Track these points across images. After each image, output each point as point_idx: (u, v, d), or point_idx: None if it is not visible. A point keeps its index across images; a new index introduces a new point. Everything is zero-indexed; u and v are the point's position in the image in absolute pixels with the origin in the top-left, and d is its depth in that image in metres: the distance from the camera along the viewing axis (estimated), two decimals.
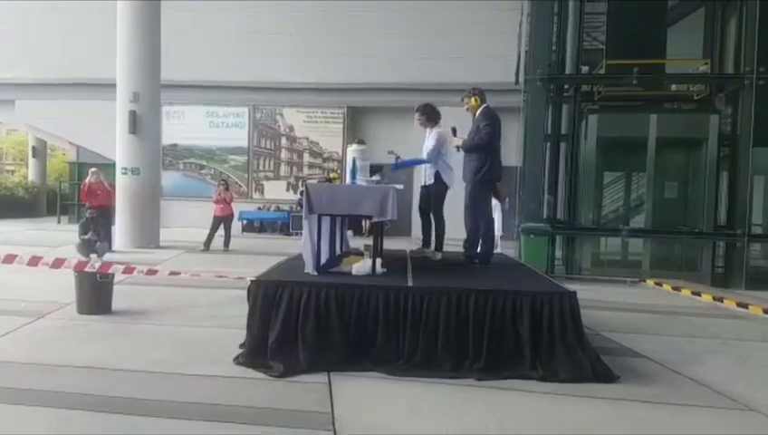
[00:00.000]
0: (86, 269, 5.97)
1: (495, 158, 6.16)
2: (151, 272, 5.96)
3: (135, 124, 12.77)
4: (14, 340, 5.25)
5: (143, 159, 13.00)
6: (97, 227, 10.35)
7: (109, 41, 13.31)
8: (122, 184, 12.98)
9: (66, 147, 23.61)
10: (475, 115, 6.25)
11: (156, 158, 13.68)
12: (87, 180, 12.11)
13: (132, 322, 6.06)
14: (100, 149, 18.18)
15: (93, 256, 10.15)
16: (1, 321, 5.77)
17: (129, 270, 5.91)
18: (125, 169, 12.95)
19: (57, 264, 5.71)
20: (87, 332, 5.61)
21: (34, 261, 5.57)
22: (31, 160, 26.53)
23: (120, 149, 13.06)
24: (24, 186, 24.72)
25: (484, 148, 6.07)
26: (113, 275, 6.54)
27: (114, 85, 13.09)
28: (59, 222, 19.89)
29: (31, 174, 26.36)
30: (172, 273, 6.20)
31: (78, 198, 20.07)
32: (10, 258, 5.51)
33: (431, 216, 6.71)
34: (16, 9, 18.92)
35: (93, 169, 12.45)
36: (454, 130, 6.36)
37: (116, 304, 6.40)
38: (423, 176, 6.80)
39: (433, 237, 6.74)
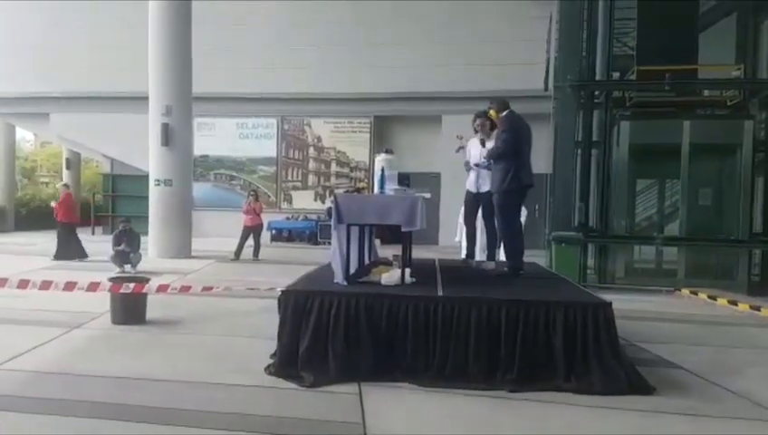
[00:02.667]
0: (121, 290, 6.05)
1: (521, 165, 5.97)
2: (185, 289, 6.04)
3: (167, 136, 12.98)
4: (50, 350, 5.34)
5: (175, 170, 13.20)
6: (130, 240, 10.51)
7: (141, 55, 13.56)
8: (155, 195, 13.19)
9: (99, 159, 24.08)
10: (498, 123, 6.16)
11: (187, 169, 13.87)
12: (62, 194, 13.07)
13: (165, 332, 6.13)
14: (134, 161, 18.54)
15: (127, 266, 10.32)
16: (37, 331, 5.89)
17: (162, 288, 6.03)
18: (158, 180, 13.15)
19: (92, 287, 5.91)
20: (121, 342, 5.69)
21: (70, 286, 5.80)
22: (65, 172, 27.09)
23: (152, 161, 13.27)
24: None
25: (503, 155, 5.93)
26: (147, 284, 6.67)
27: (146, 98, 13.33)
28: (93, 233, 20.25)
29: None
30: (205, 289, 6.27)
31: (112, 209, 20.53)
32: (46, 285, 5.76)
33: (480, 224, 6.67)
34: (50, 24, 19.44)
35: (65, 183, 13.04)
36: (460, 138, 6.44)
37: (150, 313, 6.48)
38: (475, 182, 6.73)
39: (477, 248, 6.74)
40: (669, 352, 5.59)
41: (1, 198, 21.71)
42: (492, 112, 6.11)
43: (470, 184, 6.81)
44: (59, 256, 12.21)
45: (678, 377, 4.86)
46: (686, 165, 10.49)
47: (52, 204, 13.27)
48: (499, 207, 6.12)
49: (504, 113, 6.04)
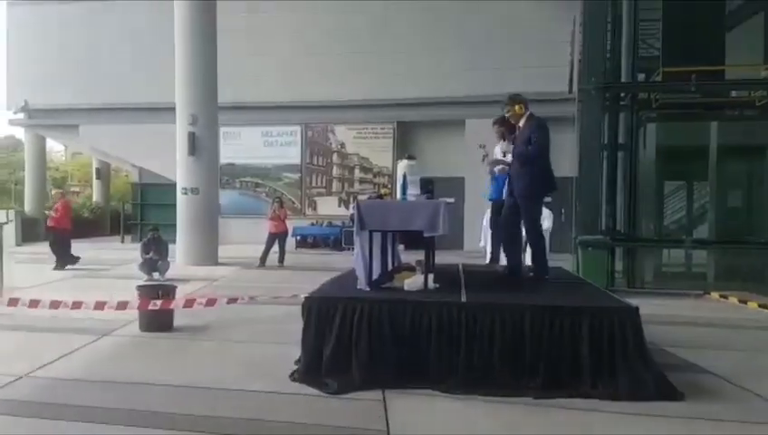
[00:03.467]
0: (149, 307, 6.15)
1: (548, 168, 5.82)
2: (210, 302, 6.13)
3: (194, 146, 13.15)
4: (80, 358, 5.44)
5: (202, 179, 13.36)
6: (158, 248, 10.65)
7: (168, 66, 13.79)
8: (182, 203, 13.37)
9: (128, 168, 24.48)
10: (517, 124, 5.91)
11: (214, 177, 14.03)
12: (57, 203, 13.04)
13: (192, 338, 6.21)
14: (161, 170, 18.81)
15: (155, 273, 10.47)
16: (68, 339, 6.00)
17: (188, 303, 6.12)
18: (185, 189, 13.32)
19: (121, 306, 6.06)
20: (148, 349, 5.78)
21: (100, 305, 6.00)
22: (95, 182, 27.62)
23: (180, 170, 13.46)
24: (89, 207, 25.73)
25: (538, 158, 5.74)
26: (175, 292, 6.77)
27: (173, 109, 13.53)
28: (122, 241, 20.59)
29: (95, 195, 27.43)
30: (230, 300, 6.34)
31: (140, 217, 20.85)
32: (77, 305, 5.95)
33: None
34: (78, 37, 19.87)
35: (61, 192, 13.36)
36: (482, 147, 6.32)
37: (177, 320, 6.56)
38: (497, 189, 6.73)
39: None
40: (699, 357, 5.49)
41: (32, 208, 22.15)
42: (517, 108, 5.82)
43: (494, 192, 6.78)
44: (60, 265, 12.21)
45: (708, 382, 4.78)
46: (715, 167, 10.34)
47: (50, 213, 13.14)
48: (527, 212, 5.90)
49: (529, 114, 5.85)
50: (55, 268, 12.06)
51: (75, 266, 12.25)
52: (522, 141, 5.80)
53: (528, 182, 5.80)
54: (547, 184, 5.87)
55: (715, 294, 9.49)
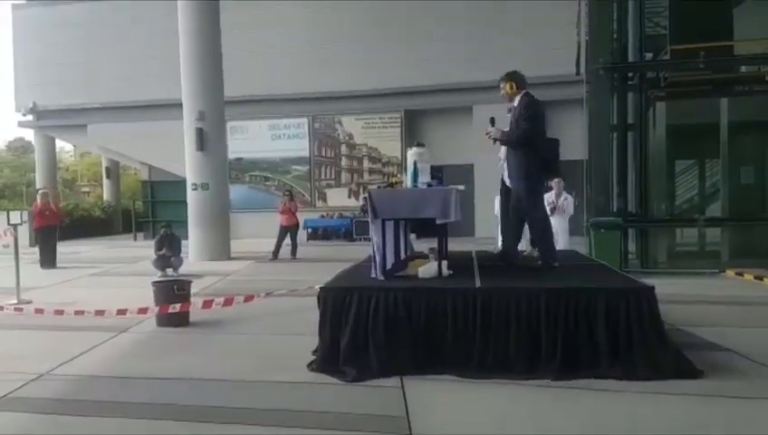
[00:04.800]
0: (169, 310, 6.24)
1: (543, 151, 5.51)
2: (228, 302, 6.23)
3: (202, 141, 13.20)
4: (100, 354, 5.49)
5: (212, 174, 13.41)
6: (171, 244, 10.72)
7: (173, 63, 13.82)
8: (193, 199, 13.44)
9: (138, 166, 24.62)
10: (512, 103, 5.57)
11: (223, 172, 14.09)
12: (37, 202, 12.97)
13: (209, 333, 6.25)
14: (170, 166, 18.91)
15: (169, 269, 10.54)
16: (87, 336, 6.05)
17: (207, 304, 6.21)
18: (195, 184, 13.39)
19: (141, 311, 6.24)
20: (167, 344, 5.83)
21: (122, 312, 6.23)
22: (105, 181, 27.80)
23: (189, 166, 13.51)
24: (100, 206, 25.92)
25: (523, 143, 5.43)
26: (190, 286, 6.84)
27: (180, 105, 13.57)
28: (135, 239, 20.72)
29: (106, 194, 27.63)
30: (247, 298, 6.40)
31: (152, 214, 20.97)
32: (100, 313, 6.24)
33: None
34: (84, 37, 19.94)
35: (43, 191, 13.34)
36: (492, 121, 5.68)
37: (193, 316, 6.61)
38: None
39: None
40: (716, 335, 5.48)
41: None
42: (508, 87, 5.53)
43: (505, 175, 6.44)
44: (45, 263, 12.33)
45: (726, 360, 4.76)
46: (726, 144, 10.26)
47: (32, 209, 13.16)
48: (522, 196, 5.58)
49: (523, 93, 5.51)
50: (42, 267, 12.17)
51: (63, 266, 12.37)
52: (513, 122, 5.52)
53: (518, 165, 5.55)
54: (543, 166, 5.57)
55: (730, 272, 9.44)
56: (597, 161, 10.15)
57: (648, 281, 4.85)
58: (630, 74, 10.63)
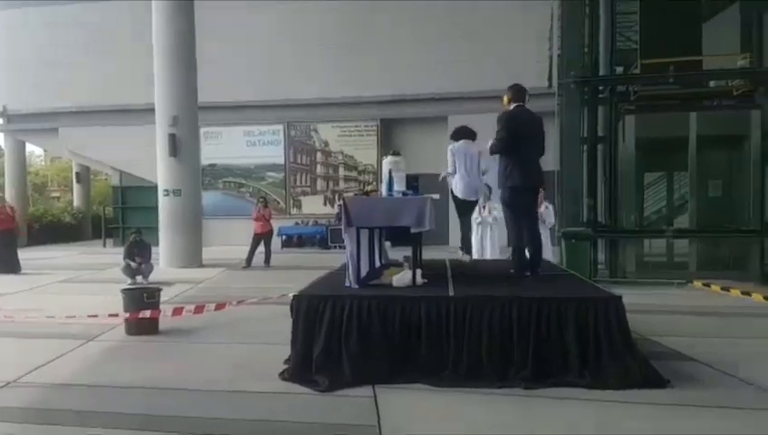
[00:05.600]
0: (139, 316, 6.18)
1: (521, 163, 5.66)
2: (199, 309, 6.19)
3: (175, 147, 13.07)
4: (69, 362, 5.40)
5: (184, 180, 13.28)
6: (141, 251, 10.58)
7: (146, 67, 13.69)
8: (164, 205, 13.28)
9: (109, 172, 24.27)
10: None
11: (196, 178, 13.96)
12: None
13: (179, 341, 6.18)
14: (142, 172, 18.68)
15: (139, 277, 10.40)
16: (54, 344, 5.95)
17: (177, 311, 6.14)
18: (167, 190, 13.24)
19: (112, 316, 6.25)
20: (136, 353, 5.75)
21: (92, 316, 6.26)
22: (75, 186, 27.34)
23: (161, 171, 13.37)
24: (70, 211, 25.47)
25: (498, 153, 5.72)
26: (160, 294, 6.76)
27: (152, 110, 13.44)
28: (104, 245, 20.42)
29: (76, 199, 27.16)
30: (218, 307, 6.35)
31: (122, 220, 20.67)
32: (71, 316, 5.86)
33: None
34: (55, 41, 19.63)
35: None
36: None
37: (164, 324, 6.53)
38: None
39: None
40: (683, 345, 5.57)
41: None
42: (504, 99, 5.84)
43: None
44: (3, 268, 12.11)
45: (693, 369, 4.86)
46: (694, 157, 10.49)
47: None
48: (502, 207, 5.98)
49: (511, 107, 5.75)
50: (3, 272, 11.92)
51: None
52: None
53: (497, 173, 5.85)
54: (521, 177, 5.68)
55: (697, 283, 9.63)
56: (568, 172, 10.31)
57: (617, 291, 4.92)
58: (601, 88, 10.82)
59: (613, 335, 4.42)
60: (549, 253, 9.94)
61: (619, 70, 11.16)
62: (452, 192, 7.11)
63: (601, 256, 10.77)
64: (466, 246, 7.36)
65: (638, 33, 10.41)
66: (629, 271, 10.57)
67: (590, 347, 4.41)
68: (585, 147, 10.67)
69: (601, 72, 10.75)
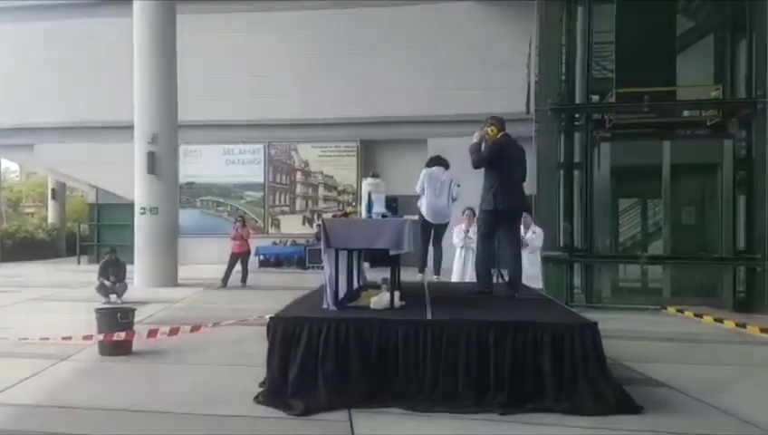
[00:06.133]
0: (114, 339, 6.10)
1: (505, 186, 5.94)
2: (174, 331, 6.14)
3: (153, 165, 12.98)
4: (40, 382, 5.29)
5: (161, 198, 13.17)
6: (116, 269, 10.43)
7: (125, 84, 13.62)
8: (141, 223, 13.14)
9: (85, 188, 23.99)
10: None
11: (173, 197, 13.85)
12: None
13: (153, 362, 6.08)
14: (119, 189, 18.49)
15: (113, 296, 10.24)
16: (26, 363, 5.83)
17: (152, 333, 6.08)
18: (143, 208, 13.11)
19: (87, 338, 6.22)
20: (109, 374, 5.66)
21: (66, 338, 6.25)
22: (50, 202, 26.96)
23: (138, 189, 13.25)
24: (44, 228, 25.08)
25: (478, 165, 6.02)
26: (134, 315, 6.67)
27: (131, 127, 13.35)
28: (79, 263, 20.10)
29: (50, 216, 26.76)
30: (194, 329, 6.29)
31: (97, 238, 20.39)
32: (45, 338, 5.72)
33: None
34: (32, 55, 19.48)
35: None
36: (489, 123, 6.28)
37: (137, 345, 6.42)
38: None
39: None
40: (657, 371, 5.63)
41: None
42: (489, 131, 6.07)
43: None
44: None
45: (666, 396, 4.90)
46: (668, 184, 10.66)
47: None
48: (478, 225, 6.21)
49: (501, 134, 6.08)
50: None
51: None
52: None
53: (481, 197, 6.09)
54: (504, 199, 5.92)
55: (671, 309, 9.75)
56: (544, 197, 10.43)
57: (592, 316, 4.98)
58: (577, 115, 11.00)
59: (589, 361, 4.45)
60: (535, 279, 9.77)
61: (595, 98, 11.36)
62: (420, 214, 7.58)
63: (577, 280, 10.85)
64: (421, 264, 7.81)
65: (614, 63, 10.63)
66: (605, 296, 10.66)
67: (565, 373, 4.43)
68: (561, 172, 10.81)
69: (578, 100, 10.94)
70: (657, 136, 11.14)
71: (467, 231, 9.61)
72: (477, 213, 6.29)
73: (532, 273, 9.59)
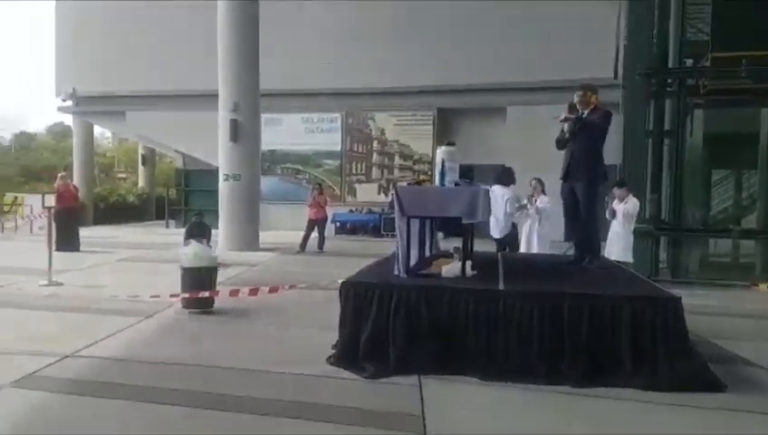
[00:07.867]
0: (198, 296, 6.44)
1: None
2: (253, 292, 6.35)
3: (236, 132, 13.33)
4: (125, 338, 5.60)
5: (244, 165, 13.54)
6: (201, 232, 10.82)
7: (211, 54, 13.97)
8: (224, 190, 13.58)
9: (173, 155, 25.00)
10: (583, 110, 5.93)
11: (255, 164, 14.20)
12: (56, 184, 13.38)
13: (232, 321, 6.33)
14: (204, 156, 19.14)
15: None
16: (113, 320, 6.18)
17: (234, 293, 6.36)
18: (227, 175, 13.52)
19: (174, 296, 6.60)
20: (191, 331, 5.94)
21: (155, 295, 6.62)
22: (140, 168, 28.28)
23: (222, 156, 13.66)
24: (135, 192, 26.39)
25: (602, 142, 5.90)
26: (216, 272, 6.95)
27: (216, 96, 13.72)
28: (167, 226, 21.05)
29: (141, 181, 28.11)
30: (272, 290, 6.49)
31: (185, 202, 21.28)
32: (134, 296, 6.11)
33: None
34: (124, 25, 20.29)
35: (62, 174, 13.80)
36: (572, 106, 6.01)
37: (219, 303, 6.69)
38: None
39: None
40: (745, 349, 5.35)
41: (80, 194, 22.78)
42: (593, 97, 5.91)
43: None
44: (60, 246, 11.20)
45: (753, 374, 4.67)
46: (765, 155, 10.01)
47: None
48: (586, 197, 5.89)
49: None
50: (58, 250, 10.95)
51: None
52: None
53: (584, 166, 5.90)
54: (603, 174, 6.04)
55: (762, 286, 9.19)
56: (631, 167, 9.97)
57: (677, 291, 4.76)
58: (669, 80, 10.42)
59: (670, 337, 4.27)
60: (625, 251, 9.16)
61: (689, 62, 10.71)
62: None
63: (663, 255, 10.40)
64: None
65: (710, 25, 9.96)
66: (692, 271, 10.19)
67: (645, 347, 4.27)
68: (650, 141, 10.31)
69: (670, 64, 10.34)
70: (754, 103, 10.43)
71: (534, 200, 9.38)
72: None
73: (624, 244, 9.11)
